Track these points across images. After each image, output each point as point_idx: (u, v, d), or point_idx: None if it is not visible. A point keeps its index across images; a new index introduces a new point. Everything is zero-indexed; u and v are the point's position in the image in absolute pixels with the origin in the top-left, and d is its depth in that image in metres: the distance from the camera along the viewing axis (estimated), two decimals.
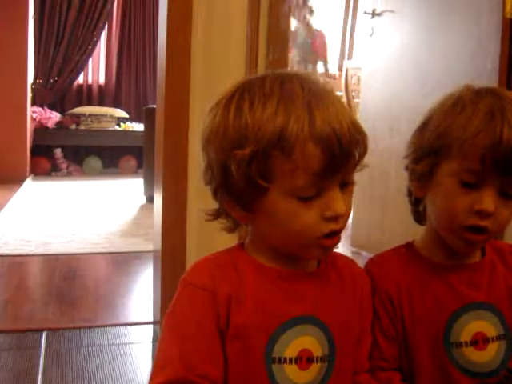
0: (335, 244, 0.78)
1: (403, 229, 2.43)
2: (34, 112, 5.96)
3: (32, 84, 6.03)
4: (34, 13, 5.91)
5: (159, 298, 1.89)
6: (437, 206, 0.87)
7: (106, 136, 6.17)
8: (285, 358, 0.77)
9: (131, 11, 6.71)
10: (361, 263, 0.92)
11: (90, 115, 6.17)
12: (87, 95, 6.67)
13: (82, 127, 6.15)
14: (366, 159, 0.76)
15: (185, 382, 0.73)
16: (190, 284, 0.78)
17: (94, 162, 6.29)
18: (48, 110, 6.13)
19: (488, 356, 0.88)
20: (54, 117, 6.06)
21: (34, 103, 6.07)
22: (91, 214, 4.12)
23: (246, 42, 1.81)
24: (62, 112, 6.28)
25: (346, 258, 0.90)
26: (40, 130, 5.94)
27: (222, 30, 1.81)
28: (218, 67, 1.81)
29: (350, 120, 0.73)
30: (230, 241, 0.86)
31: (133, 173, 6.20)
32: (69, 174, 6.10)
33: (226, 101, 0.76)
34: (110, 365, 1.76)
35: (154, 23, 6.56)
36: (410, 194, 0.95)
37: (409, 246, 0.95)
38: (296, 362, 0.77)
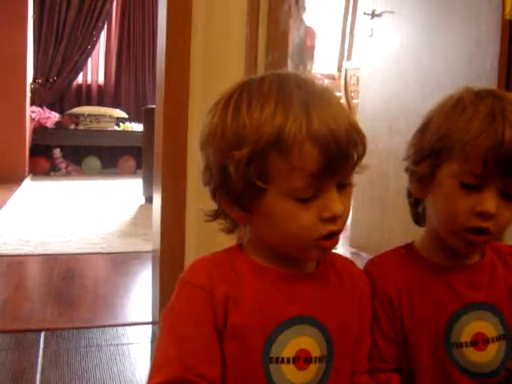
0: (334, 245, 0.77)
1: (402, 230, 2.43)
2: (33, 112, 5.95)
3: (31, 84, 6.03)
4: (34, 12, 5.90)
5: (158, 298, 1.89)
6: (438, 208, 0.87)
7: (105, 136, 6.17)
8: (282, 358, 0.77)
9: (130, 11, 6.71)
10: (360, 264, 0.92)
11: (89, 115, 6.17)
12: (86, 95, 6.66)
13: (81, 127, 6.15)
14: (365, 160, 0.76)
15: (183, 381, 0.73)
16: (188, 283, 0.78)
17: (93, 162, 6.29)
18: (47, 110, 6.12)
19: (488, 356, 0.88)
20: (53, 117, 6.05)
21: (33, 103, 6.07)
22: (90, 214, 4.11)
23: (246, 42, 1.81)
24: (61, 112, 6.28)
25: (345, 258, 0.90)
26: (39, 129, 5.94)
27: (221, 31, 1.81)
28: (218, 68, 1.81)
29: (347, 121, 0.73)
30: (228, 241, 0.86)
31: (132, 173, 6.20)
32: (68, 174, 6.10)
33: (225, 101, 0.76)
34: (108, 365, 1.76)
35: (153, 23, 6.56)
36: (409, 195, 0.95)
37: (408, 247, 0.95)
38: (294, 362, 0.77)
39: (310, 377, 0.78)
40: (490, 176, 0.81)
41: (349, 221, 2.23)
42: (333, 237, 0.75)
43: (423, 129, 0.89)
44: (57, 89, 6.40)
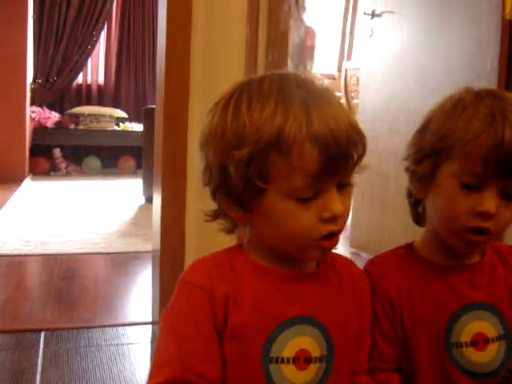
0: (333, 245, 0.77)
1: (402, 229, 2.43)
2: (33, 112, 5.95)
3: (31, 84, 6.03)
4: (34, 12, 5.90)
5: (158, 299, 1.89)
6: (438, 208, 0.87)
7: (105, 136, 6.17)
8: (282, 358, 0.77)
9: (130, 11, 6.71)
10: (360, 264, 0.92)
11: (89, 115, 6.17)
12: (86, 95, 6.66)
13: (81, 127, 6.15)
14: (365, 160, 0.76)
15: (183, 381, 0.73)
16: (188, 283, 0.78)
17: (93, 161, 6.29)
18: (47, 110, 6.12)
19: (488, 356, 0.88)
20: (53, 117, 6.05)
21: (33, 103, 6.07)
22: (90, 214, 4.11)
23: (246, 42, 1.81)
24: (61, 112, 6.28)
25: (345, 258, 0.90)
26: (39, 129, 5.94)
27: (221, 31, 1.81)
28: (218, 68, 1.81)
29: (347, 121, 0.73)
30: (228, 241, 0.86)
31: (132, 173, 6.20)
32: (68, 174, 6.10)
33: (225, 101, 0.76)
34: (108, 365, 1.76)
35: (153, 23, 6.56)
36: (409, 195, 0.95)
37: (408, 247, 0.95)
38: (294, 362, 0.77)
39: (310, 377, 0.78)
40: (490, 176, 0.81)
41: (349, 221, 2.23)
42: (333, 237, 0.75)
43: (423, 129, 0.89)
44: (57, 89, 6.40)
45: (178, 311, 0.78)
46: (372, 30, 2.96)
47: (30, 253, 3.01)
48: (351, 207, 0.79)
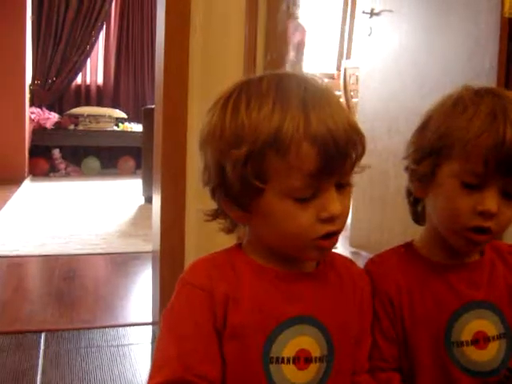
0: (332, 245, 0.77)
1: (402, 229, 2.42)
2: (32, 113, 5.95)
3: (30, 85, 6.03)
4: (32, 13, 5.90)
5: (158, 299, 1.89)
6: (438, 207, 0.87)
7: (104, 136, 6.17)
8: (282, 358, 0.76)
9: (129, 11, 6.70)
10: (360, 263, 0.92)
11: (89, 116, 6.17)
12: (85, 96, 6.66)
13: (80, 128, 6.14)
14: (365, 160, 0.76)
15: (183, 382, 0.73)
16: (188, 283, 0.78)
17: (93, 162, 6.28)
18: (46, 111, 6.12)
19: (489, 355, 0.88)
20: (52, 117, 6.05)
21: (32, 104, 6.07)
22: (90, 215, 4.11)
23: (244, 42, 1.81)
24: (60, 112, 6.27)
25: (345, 258, 0.90)
26: (38, 130, 5.93)
27: (220, 31, 1.81)
28: (216, 67, 1.81)
29: (346, 120, 0.73)
30: (228, 241, 0.86)
31: (131, 173, 6.20)
32: (67, 175, 6.09)
33: (224, 101, 0.76)
34: (109, 366, 1.76)
35: (152, 23, 6.56)
36: (408, 194, 0.95)
37: (408, 246, 0.95)
38: (294, 362, 0.77)
39: (311, 377, 0.78)
40: (491, 175, 0.81)
41: (349, 220, 2.23)
42: (331, 237, 0.75)
43: (423, 127, 0.89)
44: (56, 89, 6.40)
45: (177, 311, 0.78)
46: (371, 28, 2.96)
47: (30, 254, 3.01)
48: (351, 207, 0.79)
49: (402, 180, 0.94)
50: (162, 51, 1.79)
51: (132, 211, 4.30)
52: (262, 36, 1.82)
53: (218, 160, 0.75)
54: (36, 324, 2.07)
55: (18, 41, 5.51)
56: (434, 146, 0.85)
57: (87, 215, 4.10)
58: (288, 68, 1.85)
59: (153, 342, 1.95)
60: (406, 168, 0.91)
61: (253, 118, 0.72)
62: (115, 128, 6.32)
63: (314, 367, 0.78)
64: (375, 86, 2.94)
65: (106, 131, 6.19)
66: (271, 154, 0.71)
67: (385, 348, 0.88)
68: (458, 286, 0.89)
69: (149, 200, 4.04)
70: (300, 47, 1.91)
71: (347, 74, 4.49)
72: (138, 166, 5.99)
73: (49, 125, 5.99)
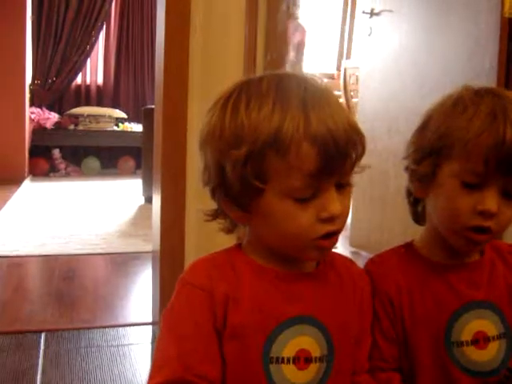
0: (332, 245, 0.77)
1: (402, 229, 2.43)
2: (32, 113, 5.95)
3: (30, 85, 6.02)
4: (32, 13, 5.90)
5: (158, 299, 1.89)
6: (439, 207, 0.87)
7: (104, 136, 6.16)
8: (282, 358, 0.76)
9: (129, 11, 6.70)
10: (360, 263, 0.92)
11: (89, 116, 6.17)
12: (85, 96, 6.65)
13: (80, 128, 6.14)
14: (365, 160, 0.76)
15: (183, 382, 0.73)
16: (188, 283, 0.78)
17: (93, 162, 6.28)
18: (46, 111, 6.12)
19: (489, 355, 0.88)
20: (52, 117, 6.05)
21: (32, 104, 6.06)
22: (90, 215, 4.11)
23: (244, 42, 1.81)
24: (60, 112, 6.27)
25: (345, 258, 0.90)
26: (38, 130, 5.93)
27: (219, 31, 1.81)
28: (216, 67, 1.81)
29: (346, 120, 0.73)
30: (228, 241, 0.86)
31: (131, 173, 6.19)
32: (67, 175, 6.09)
33: (224, 101, 0.76)
34: (109, 366, 1.76)
35: (152, 23, 6.55)
36: (408, 194, 0.95)
37: (408, 246, 0.95)
38: (294, 362, 0.77)
39: (311, 377, 0.78)
40: (492, 175, 0.81)
41: (349, 220, 2.23)
42: (331, 236, 0.75)
43: (423, 127, 0.89)
44: (56, 89, 6.40)
45: (177, 311, 0.78)
46: (371, 28, 2.95)
47: (29, 254, 3.01)
48: (351, 207, 0.79)
49: (402, 180, 0.94)
50: (162, 51, 1.79)
51: (132, 211, 4.30)
52: (261, 36, 1.82)
53: (217, 160, 0.75)
54: (36, 324, 2.07)
55: (17, 41, 5.51)
56: (434, 146, 0.85)
57: (87, 215, 4.10)
58: (288, 68, 1.85)
59: (153, 342, 1.95)
60: (406, 168, 0.91)
61: (252, 118, 0.72)
62: (115, 128, 6.31)
63: (313, 367, 0.78)
64: (375, 86, 2.94)
65: (106, 131, 6.19)
66: (271, 154, 0.71)
67: (385, 348, 0.88)
68: (458, 286, 0.89)
69: (149, 200, 4.04)
70: (300, 47, 1.91)
71: (347, 74, 4.49)
72: (138, 166, 5.99)
73: (49, 125, 5.99)
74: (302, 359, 0.77)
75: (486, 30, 2.26)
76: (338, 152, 0.71)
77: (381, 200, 2.85)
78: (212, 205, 0.81)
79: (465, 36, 2.37)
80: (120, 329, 2.05)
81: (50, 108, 6.27)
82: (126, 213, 4.22)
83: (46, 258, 2.96)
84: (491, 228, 0.83)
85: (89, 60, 6.59)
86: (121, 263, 2.92)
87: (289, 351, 0.77)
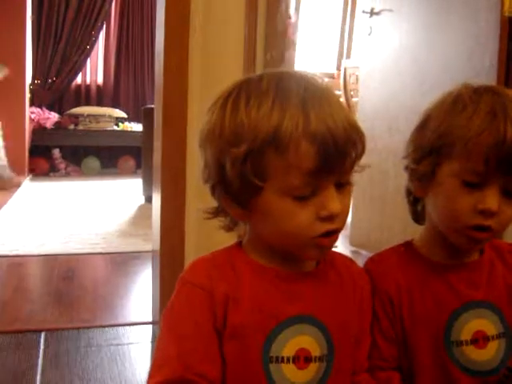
0: (332, 243, 0.77)
1: (402, 227, 2.43)
2: (32, 113, 5.95)
3: (30, 85, 6.02)
4: (32, 13, 5.89)
5: (158, 298, 1.89)
6: (439, 206, 0.87)
7: (104, 136, 6.16)
8: (282, 358, 0.76)
9: (129, 11, 6.70)
10: (360, 262, 0.92)
11: (89, 115, 6.17)
12: (85, 95, 6.65)
13: (80, 127, 6.14)
14: (365, 159, 0.76)
15: (183, 381, 0.73)
16: (188, 282, 0.78)
17: (93, 162, 6.28)
18: (46, 111, 6.12)
19: (488, 354, 0.88)
20: (52, 117, 6.05)
21: (32, 104, 6.06)
22: (90, 215, 4.11)
23: (244, 41, 1.81)
24: (60, 112, 6.27)
25: (345, 257, 0.90)
26: (38, 130, 5.93)
27: (219, 31, 1.81)
28: (216, 67, 1.81)
29: (346, 119, 0.73)
30: (228, 241, 0.86)
31: (131, 173, 6.20)
32: (67, 175, 6.09)
33: (223, 100, 0.76)
34: (108, 365, 1.76)
35: (152, 23, 6.56)
36: (408, 193, 0.94)
37: (408, 245, 0.95)
38: (294, 362, 0.77)
39: (311, 376, 0.78)
40: (492, 174, 0.80)
41: (348, 219, 2.23)
42: (331, 235, 0.75)
43: (422, 126, 0.89)
44: (56, 89, 6.40)
45: (177, 311, 0.78)
46: (371, 28, 2.95)
47: (29, 253, 3.01)
48: (351, 206, 0.79)
49: (402, 179, 0.94)
50: (162, 51, 1.79)
51: (132, 211, 4.30)
52: (261, 35, 1.82)
53: (217, 158, 0.75)
54: (36, 323, 2.07)
55: (18, 41, 5.51)
56: (434, 145, 0.85)
57: (87, 215, 4.10)
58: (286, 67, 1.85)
59: (153, 342, 1.95)
60: (406, 167, 0.91)
61: (252, 116, 0.72)
62: (115, 128, 6.31)
63: (313, 367, 0.78)
64: (375, 85, 2.94)
65: (106, 131, 6.19)
66: (270, 152, 0.71)
67: (384, 348, 0.88)
68: (457, 285, 0.89)
69: (149, 199, 4.04)
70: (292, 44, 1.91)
71: (347, 74, 4.49)
72: (138, 166, 5.99)
73: (49, 124, 5.99)
74: (301, 359, 0.77)
75: (485, 28, 2.26)
76: (337, 151, 0.71)
77: (381, 199, 2.85)
78: (212, 204, 0.81)
79: (465, 34, 2.37)
80: (120, 328, 2.05)
81: (50, 108, 6.27)
82: (126, 212, 4.22)
83: (46, 258, 2.96)
84: (492, 227, 0.83)
85: (89, 60, 6.59)
86: (121, 263, 2.92)
87: (289, 351, 0.77)
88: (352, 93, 4.40)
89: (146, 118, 4.22)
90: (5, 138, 5.30)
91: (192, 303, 0.76)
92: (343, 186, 0.75)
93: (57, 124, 6.07)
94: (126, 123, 6.38)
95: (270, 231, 0.77)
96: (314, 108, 0.71)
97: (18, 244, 3.18)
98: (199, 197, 1.68)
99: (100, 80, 6.74)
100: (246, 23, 1.81)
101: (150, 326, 2.05)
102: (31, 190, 5.12)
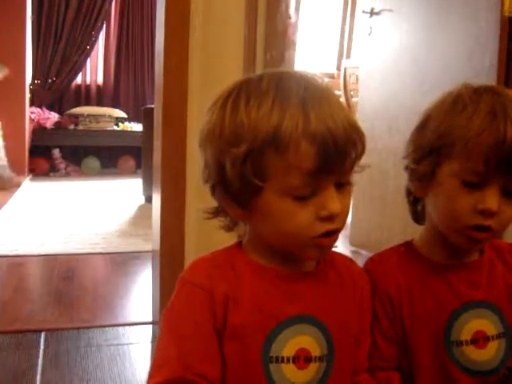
0: (332, 243, 0.77)
1: (402, 228, 2.43)
2: (32, 113, 5.95)
3: (30, 85, 6.02)
4: (32, 13, 5.89)
5: (158, 298, 1.89)
6: (439, 206, 0.87)
7: (104, 136, 6.16)
8: (282, 358, 0.76)
9: (129, 11, 6.70)
10: (360, 262, 0.92)
11: (89, 115, 6.17)
12: (85, 95, 6.65)
13: (80, 127, 6.14)
14: (365, 159, 0.76)
15: (183, 381, 0.73)
16: (188, 282, 0.78)
17: (93, 162, 6.28)
18: (46, 111, 6.12)
19: (488, 354, 0.88)
20: (52, 117, 6.05)
21: (32, 104, 6.06)
22: (90, 215, 4.11)
23: (244, 41, 1.81)
24: (60, 112, 6.27)
25: (345, 257, 0.90)
26: (38, 130, 5.93)
27: (219, 30, 1.81)
28: (216, 67, 1.81)
29: (346, 119, 0.73)
30: (228, 241, 0.86)
31: (131, 173, 6.20)
32: (67, 175, 6.09)
33: (223, 100, 0.76)
34: (108, 365, 1.76)
35: (151, 23, 6.56)
36: (408, 193, 0.94)
37: (408, 245, 0.95)
38: (294, 362, 0.77)
39: (311, 376, 0.78)
40: (492, 174, 0.80)
41: (348, 219, 2.23)
42: (331, 235, 0.75)
43: (422, 126, 0.89)
44: (56, 89, 6.39)
45: (177, 311, 0.78)
46: (371, 28, 2.95)
47: (29, 253, 3.01)
48: (351, 206, 0.79)
49: (402, 179, 0.94)
50: (162, 51, 1.79)
51: (132, 211, 4.30)
52: (261, 35, 1.82)
53: (217, 158, 0.75)
54: (36, 323, 2.07)
55: (18, 40, 5.51)
56: (434, 145, 0.85)
57: (87, 215, 4.10)
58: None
59: (153, 342, 1.95)
60: (406, 167, 0.91)
61: (252, 116, 0.72)
62: (115, 128, 6.31)
63: (313, 367, 0.78)
64: (375, 85, 2.93)
65: (106, 131, 6.19)
66: (270, 152, 0.71)
67: (384, 348, 0.88)
68: (457, 286, 0.89)
69: (149, 199, 4.04)
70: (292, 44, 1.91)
71: (347, 74, 4.49)
72: (138, 166, 5.99)
73: (49, 124, 5.99)
74: (301, 359, 0.77)
75: (485, 28, 2.26)
76: (337, 151, 0.71)
77: (381, 199, 2.85)
78: (212, 204, 0.81)
79: (465, 34, 2.37)
80: (120, 328, 2.05)
81: (50, 108, 6.27)
82: (126, 212, 4.22)
83: (46, 258, 2.96)
84: (492, 227, 0.83)
85: (89, 60, 6.59)
86: (121, 263, 2.92)
87: (289, 351, 0.77)
88: (352, 93, 4.40)
89: (146, 117, 4.23)
90: (5, 138, 5.31)
91: (192, 303, 0.76)
92: (343, 186, 0.75)
93: (57, 124, 6.07)
94: (126, 123, 6.38)
95: (270, 231, 0.77)
96: (314, 108, 0.71)
97: (18, 244, 3.17)
98: (199, 197, 1.68)
99: (100, 80, 6.74)
100: (245, 23, 1.81)
101: (150, 326, 2.05)
102: (31, 190, 5.12)
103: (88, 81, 6.70)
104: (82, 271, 2.83)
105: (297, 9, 1.86)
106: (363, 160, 0.76)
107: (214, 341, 0.76)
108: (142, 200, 4.57)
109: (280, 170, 0.72)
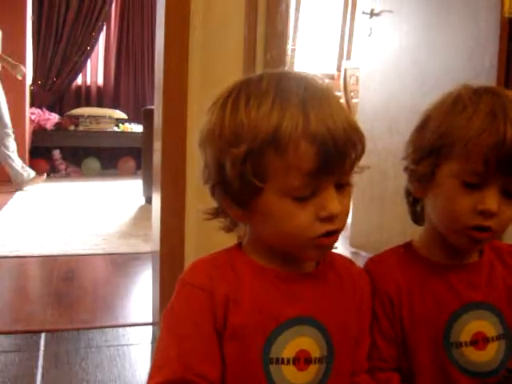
0: (332, 244, 0.77)
1: (402, 228, 2.42)
2: (32, 113, 5.95)
3: (30, 85, 6.02)
4: (32, 14, 5.90)
5: (158, 299, 1.89)
6: (438, 207, 0.87)
7: (104, 137, 6.16)
8: (282, 359, 0.76)
9: (129, 12, 6.70)
10: (360, 263, 0.92)
11: (89, 116, 6.17)
12: (86, 96, 6.66)
13: (80, 128, 6.14)
14: (365, 160, 0.76)
15: (183, 381, 0.73)
16: (188, 283, 0.78)
17: (93, 163, 6.28)
18: (46, 112, 6.12)
19: (488, 356, 0.88)
20: (52, 118, 6.05)
21: (32, 105, 6.07)
22: (90, 215, 4.11)
23: (244, 41, 1.81)
24: (60, 113, 6.27)
25: (345, 258, 0.90)
26: (38, 131, 5.93)
27: (219, 30, 1.81)
28: (216, 67, 1.81)
29: (346, 120, 0.73)
30: (228, 242, 0.86)
31: (132, 174, 6.20)
32: (67, 176, 6.09)
33: (223, 100, 0.76)
34: (108, 366, 1.76)
35: (152, 24, 6.55)
36: (407, 194, 0.94)
37: (407, 246, 0.95)
38: (294, 363, 0.77)
39: (310, 377, 0.78)
40: (492, 174, 0.80)
41: (348, 220, 2.23)
42: (331, 235, 0.75)
43: (422, 127, 0.89)
44: (56, 90, 6.40)
45: (177, 312, 0.78)
46: (371, 29, 2.95)
47: (29, 254, 3.01)
48: (351, 206, 0.79)
49: (402, 180, 0.94)
50: (162, 51, 1.79)
51: (132, 211, 4.30)
52: (261, 35, 1.82)
53: (217, 158, 0.75)
54: (36, 324, 2.07)
55: (18, 41, 5.51)
56: (434, 146, 0.85)
57: (87, 216, 4.10)
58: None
59: (153, 342, 1.95)
60: (406, 168, 0.91)
61: (252, 116, 0.72)
62: (115, 129, 6.31)
63: (313, 368, 0.78)
64: (375, 86, 2.93)
65: (106, 132, 6.19)
66: (270, 152, 0.71)
67: (384, 348, 0.88)
68: (457, 286, 0.89)
69: (149, 200, 4.03)
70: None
71: (347, 75, 4.50)
72: (138, 167, 5.99)
73: (49, 126, 5.99)
74: (301, 360, 0.77)
75: (485, 28, 2.26)
76: (337, 151, 0.71)
77: (380, 200, 2.85)
78: (212, 205, 0.81)
79: (465, 35, 2.37)
80: (120, 329, 2.05)
81: (51, 109, 6.27)
82: (126, 213, 4.22)
83: (46, 259, 2.95)
84: (492, 227, 0.83)
85: (89, 61, 6.59)
86: (121, 263, 2.92)
87: (289, 352, 0.77)
88: (352, 94, 4.41)
89: (146, 119, 4.22)
90: None
91: (192, 304, 0.76)
92: (343, 186, 0.75)
93: (57, 125, 6.07)
94: (127, 124, 6.38)
95: (270, 232, 0.77)
96: (314, 108, 0.71)
97: (18, 245, 3.17)
98: (199, 197, 1.67)
99: (100, 81, 6.74)
100: (245, 23, 1.80)
101: (150, 327, 2.05)
102: (31, 190, 5.12)
103: (88, 82, 6.70)
104: (82, 272, 2.83)
105: (297, 9, 1.86)
106: (363, 161, 0.76)
107: (213, 341, 0.76)
108: (142, 201, 4.57)
109: (280, 170, 0.72)
